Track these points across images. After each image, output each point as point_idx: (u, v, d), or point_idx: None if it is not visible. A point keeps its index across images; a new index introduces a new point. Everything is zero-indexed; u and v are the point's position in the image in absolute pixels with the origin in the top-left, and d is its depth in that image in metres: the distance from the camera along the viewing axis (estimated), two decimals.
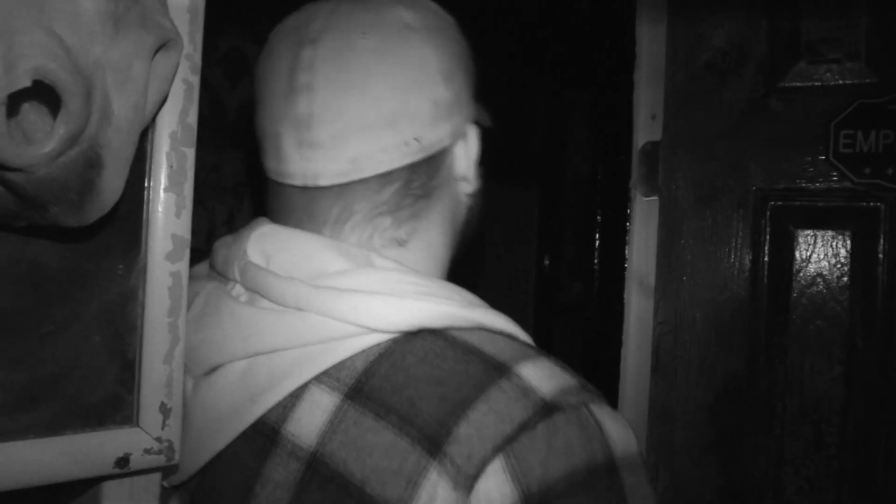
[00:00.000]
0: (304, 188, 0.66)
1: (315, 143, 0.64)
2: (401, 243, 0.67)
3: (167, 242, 0.54)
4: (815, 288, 1.27)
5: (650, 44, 1.38)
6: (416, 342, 0.59)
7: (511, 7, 3.15)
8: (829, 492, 1.26)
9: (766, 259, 1.30)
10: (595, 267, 3.48)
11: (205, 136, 0.63)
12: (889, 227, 1.22)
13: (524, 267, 3.74)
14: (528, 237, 3.75)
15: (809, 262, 1.27)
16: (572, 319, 3.69)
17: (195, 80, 0.55)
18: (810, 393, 1.27)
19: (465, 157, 0.71)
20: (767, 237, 1.30)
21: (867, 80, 1.24)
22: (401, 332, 0.59)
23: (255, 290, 0.63)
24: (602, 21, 3.19)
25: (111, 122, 0.45)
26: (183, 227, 0.55)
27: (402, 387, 0.56)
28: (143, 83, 0.46)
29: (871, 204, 1.24)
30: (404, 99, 0.64)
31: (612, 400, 1.42)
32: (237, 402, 0.61)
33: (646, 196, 1.38)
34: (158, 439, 0.54)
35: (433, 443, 0.53)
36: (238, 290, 0.65)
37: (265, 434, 0.60)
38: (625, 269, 1.42)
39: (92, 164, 0.45)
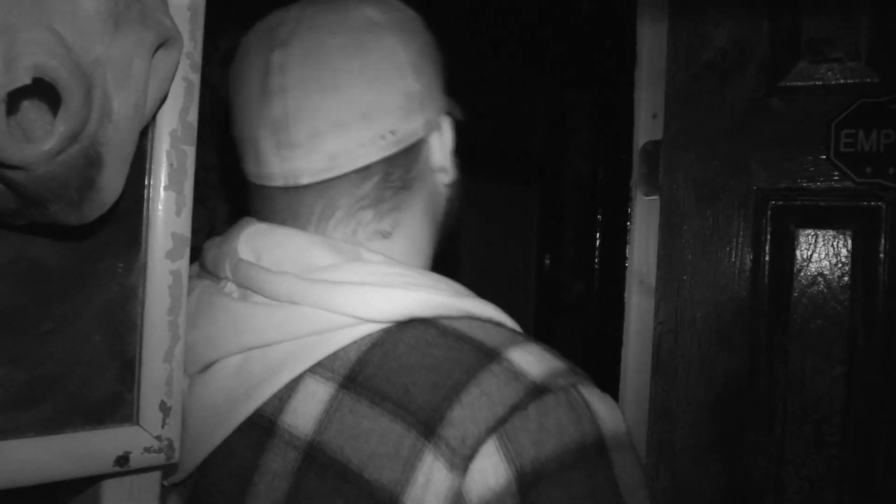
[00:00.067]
0: (286, 188, 0.67)
1: (293, 143, 0.65)
2: (385, 235, 0.68)
3: (167, 241, 0.54)
4: (815, 287, 1.27)
5: (651, 43, 1.38)
6: (407, 331, 0.60)
7: (511, 7, 3.15)
8: (829, 491, 1.26)
9: (766, 258, 1.30)
10: (595, 266, 3.48)
11: (205, 134, 0.63)
12: (890, 227, 1.22)
13: (524, 267, 3.74)
14: (528, 237, 3.75)
15: (810, 261, 1.27)
16: (573, 319, 3.69)
17: (195, 79, 0.55)
18: (811, 392, 1.26)
19: (441, 147, 0.72)
20: (768, 237, 1.30)
21: (868, 80, 1.24)
22: (392, 321, 0.60)
23: (247, 287, 0.64)
24: (602, 21, 3.19)
25: (111, 119, 0.45)
26: (183, 225, 0.55)
27: (396, 374, 0.58)
28: (144, 81, 0.46)
29: (872, 203, 1.24)
30: (377, 94, 0.66)
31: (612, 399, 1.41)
32: (233, 396, 0.62)
33: (647, 195, 1.38)
34: (158, 438, 0.54)
35: (428, 427, 0.54)
36: (230, 287, 0.66)
37: (262, 426, 0.61)
38: (625, 268, 1.42)
39: (92, 162, 0.45)
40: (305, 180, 0.66)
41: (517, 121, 3.57)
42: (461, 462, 0.53)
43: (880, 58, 1.23)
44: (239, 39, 0.72)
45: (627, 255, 1.41)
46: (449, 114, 0.73)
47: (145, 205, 0.54)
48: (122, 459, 0.53)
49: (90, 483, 0.54)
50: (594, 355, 3.02)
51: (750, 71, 1.31)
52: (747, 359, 1.30)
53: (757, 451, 1.30)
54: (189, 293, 0.66)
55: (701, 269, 1.33)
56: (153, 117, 0.52)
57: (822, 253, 1.27)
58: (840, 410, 1.25)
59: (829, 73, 1.26)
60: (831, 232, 1.26)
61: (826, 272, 1.26)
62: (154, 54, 0.48)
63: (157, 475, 0.57)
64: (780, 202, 1.29)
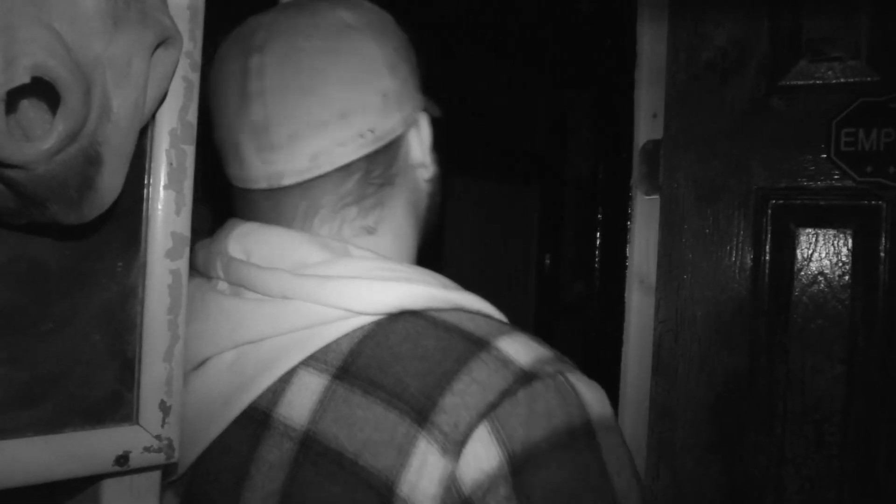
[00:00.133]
0: (269, 190, 0.69)
1: (274, 145, 0.67)
2: (370, 231, 0.70)
3: (167, 240, 0.54)
4: (816, 287, 1.27)
5: (651, 43, 1.38)
6: (398, 323, 0.62)
7: (511, 7, 3.15)
8: (830, 491, 1.25)
9: (767, 258, 1.30)
10: (595, 266, 3.48)
11: (205, 133, 0.63)
12: (890, 226, 1.22)
13: (524, 266, 3.74)
14: (528, 237, 3.75)
15: (811, 260, 1.27)
16: (573, 319, 3.69)
17: (195, 78, 0.55)
18: (811, 392, 1.26)
19: (419, 144, 0.74)
20: (769, 236, 1.30)
21: (868, 79, 1.24)
22: (383, 314, 0.62)
23: (239, 284, 0.66)
24: (602, 20, 3.19)
25: (110, 119, 0.45)
26: (183, 224, 0.55)
27: (388, 364, 0.59)
28: (143, 80, 0.46)
29: (873, 202, 1.24)
30: (354, 94, 0.67)
31: (612, 399, 1.42)
32: (227, 391, 0.63)
33: (647, 195, 1.38)
34: (158, 437, 0.54)
35: (421, 414, 0.56)
36: (222, 285, 0.68)
37: (257, 419, 0.62)
38: (625, 268, 1.41)
39: (91, 161, 0.44)
40: (288, 181, 0.68)
41: (517, 121, 3.57)
42: (454, 447, 0.54)
43: (880, 57, 1.23)
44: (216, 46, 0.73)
45: (627, 255, 1.41)
46: (425, 111, 0.75)
47: (145, 204, 0.54)
48: (122, 459, 0.52)
49: (90, 483, 0.54)
50: (594, 355, 3.02)
51: (750, 70, 1.31)
52: (748, 358, 1.30)
53: (757, 450, 1.29)
54: None
55: (701, 268, 1.33)
56: (153, 116, 0.52)
57: (822, 252, 1.26)
58: (840, 410, 1.25)
59: (830, 73, 1.26)
60: (832, 231, 1.26)
61: (826, 271, 1.26)
62: (153, 53, 0.47)
63: (157, 475, 0.57)
64: (781, 201, 1.29)
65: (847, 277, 1.25)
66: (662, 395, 1.35)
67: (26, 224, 0.47)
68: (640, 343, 1.38)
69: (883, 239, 1.23)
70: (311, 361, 0.62)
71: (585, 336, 3.50)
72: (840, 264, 1.26)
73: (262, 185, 0.69)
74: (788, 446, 1.28)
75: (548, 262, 3.78)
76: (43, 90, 0.42)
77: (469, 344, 0.59)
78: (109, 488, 0.54)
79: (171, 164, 0.54)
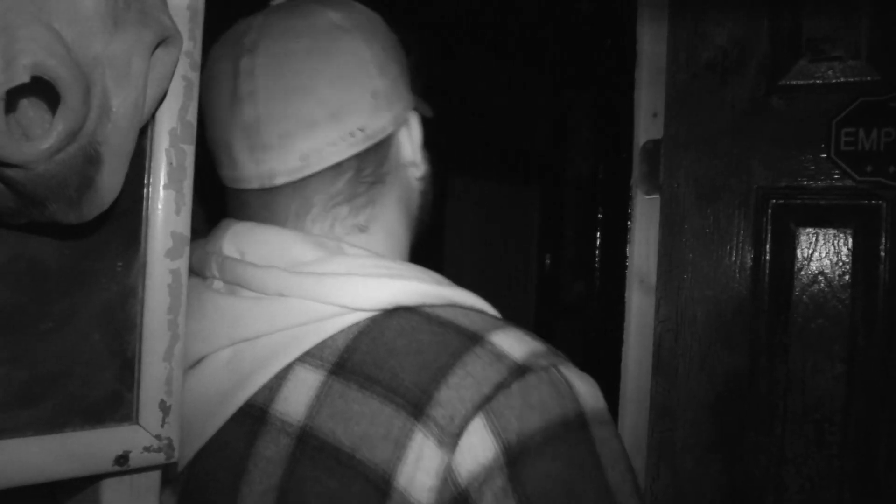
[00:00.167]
0: (261, 190, 0.70)
1: (265, 145, 0.68)
2: (362, 229, 0.71)
3: (167, 240, 0.54)
4: (816, 286, 1.26)
5: (651, 42, 1.38)
6: (392, 319, 0.63)
7: (511, 7, 3.15)
8: (830, 490, 1.25)
9: (767, 257, 1.29)
10: (596, 266, 3.48)
11: (199, 135, 0.63)
12: (891, 225, 1.22)
13: (525, 266, 3.74)
14: (528, 236, 3.75)
15: (811, 260, 1.27)
16: (573, 319, 3.69)
17: (195, 77, 0.55)
18: (812, 391, 1.26)
19: (410, 142, 0.74)
20: (769, 235, 1.29)
21: (868, 78, 1.24)
22: (378, 310, 0.63)
23: (234, 283, 0.66)
24: (602, 20, 3.19)
25: (110, 118, 0.45)
26: (183, 224, 0.55)
27: (384, 359, 0.60)
28: (143, 79, 0.46)
29: (873, 202, 1.24)
30: (344, 93, 0.68)
31: (613, 399, 1.42)
32: (224, 388, 0.64)
33: (647, 194, 1.38)
34: (158, 437, 0.54)
35: (417, 407, 0.57)
36: (217, 284, 0.68)
37: (254, 416, 0.63)
38: (626, 267, 1.41)
39: (91, 160, 0.44)
40: (279, 181, 0.68)
41: (517, 121, 3.57)
42: (450, 439, 0.55)
43: (880, 56, 1.23)
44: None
45: (628, 255, 1.41)
46: (416, 110, 0.75)
47: (144, 203, 0.54)
48: (122, 459, 0.52)
49: (90, 482, 0.54)
50: (594, 355, 3.02)
51: (750, 70, 1.31)
52: (748, 358, 1.30)
53: (758, 450, 1.29)
54: None
55: (701, 267, 1.33)
56: (152, 116, 0.52)
57: (822, 252, 1.26)
58: (841, 409, 1.25)
59: (830, 72, 1.26)
60: (832, 231, 1.26)
61: (827, 271, 1.26)
62: (153, 53, 0.47)
63: (156, 474, 0.57)
64: (781, 201, 1.29)
65: (847, 277, 1.25)
66: (663, 395, 1.35)
67: (26, 223, 0.47)
68: (640, 343, 1.38)
69: (883, 238, 1.23)
70: (308, 358, 0.63)
71: (586, 336, 3.50)
72: (840, 264, 1.26)
73: (255, 185, 0.69)
74: (789, 446, 1.28)
75: (548, 261, 3.78)
76: (43, 90, 0.42)
77: (463, 339, 0.60)
78: (109, 488, 0.54)
79: (170, 163, 0.54)
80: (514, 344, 0.60)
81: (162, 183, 0.54)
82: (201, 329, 0.65)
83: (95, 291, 0.52)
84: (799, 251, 1.28)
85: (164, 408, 0.55)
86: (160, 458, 0.55)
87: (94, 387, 0.52)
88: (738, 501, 1.31)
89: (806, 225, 1.28)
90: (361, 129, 0.68)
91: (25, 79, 0.39)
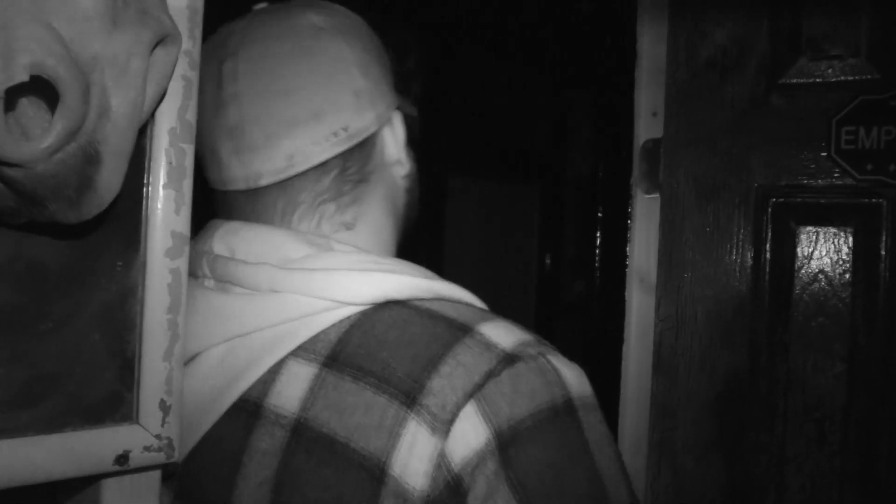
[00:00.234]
0: (248, 190, 0.71)
1: (250, 147, 0.69)
2: (349, 227, 0.72)
3: (167, 239, 0.54)
4: (816, 285, 1.26)
5: (651, 41, 1.38)
6: (383, 312, 0.64)
7: (511, 7, 3.15)
8: (831, 489, 1.25)
9: (767, 256, 1.29)
10: (596, 265, 3.48)
11: None
12: (891, 224, 1.22)
13: (525, 266, 3.74)
14: (528, 236, 3.75)
15: (811, 258, 1.27)
16: (573, 318, 3.69)
17: (194, 77, 0.54)
18: (812, 390, 1.26)
19: (394, 141, 0.75)
20: (769, 234, 1.29)
21: (869, 77, 1.24)
22: (369, 304, 0.64)
23: (226, 280, 0.67)
24: (602, 20, 3.19)
25: (109, 117, 0.45)
26: (182, 223, 0.55)
27: (376, 351, 0.61)
28: (142, 79, 0.46)
29: (873, 200, 1.24)
30: (326, 93, 0.69)
31: (613, 398, 1.42)
32: (218, 384, 0.65)
33: (647, 193, 1.38)
34: (158, 436, 0.54)
35: (409, 396, 0.58)
36: (209, 283, 0.69)
37: (248, 410, 0.64)
38: (626, 266, 1.41)
39: (90, 159, 0.44)
40: (265, 181, 0.70)
41: (517, 120, 3.57)
42: (443, 426, 0.57)
43: (880, 54, 1.23)
44: None
45: (628, 254, 1.41)
46: (400, 109, 0.76)
47: (144, 203, 0.54)
48: (122, 458, 0.52)
49: (90, 482, 0.54)
50: (595, 354, 3.02)
51: (750, 68, 1.30)
52: (748, 356, 1.30)
53: (758, 449, 1.29)
54: None
55: (702, 266, 1.33)
56: (152, 115, 0.52)
57: (822, 250, 1.26)
58: (841, 408, 1.25)
59: (830, 71, 1.26)
60: (832, 229, 1.26)
61: (827, 269, 1.26)
62: (152, 52, 0.47)
63: (157, 474, 0.57)
64: (781, 199, 1.29)
65: (848, 275, 1.25)
66: (663, 394, 1.35)
67: (25, 223, 0.47)
68: (640, 342, 1.38)
69: (883, 237, 1.23)
70: (300, 352, 0.64)
71: (586, 335, 3.50)
72: (841, 262, 1.25)
73: (241, 185, 0.71)
74: (789, 445, 1.28)
75: (548, 261, 3.78)
76: (42, 89, 0.42)
77: (453, 330, 0.61)
78: (109, 488, 0.54)
79: (170, 163, 0.54)
80: (502, 334, 0.62)
81: (161, 182, 0.54)
82: (194, 327, 0.66)
83: (95, 291, 0.52)
84: (799, 250, 1.28)
85: (165, 407, 0.55)
86: (160, 457, 0.55)
87: (94, 386, 0.52)
88: (739, 500, 1.31)
89: (806, 223, 1.28)
90: (345, 129, 0.70)
91: (24, 78, 0.39)
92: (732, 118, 1.31)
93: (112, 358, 0.53)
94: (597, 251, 3.46)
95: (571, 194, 3.85)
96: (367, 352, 0.62)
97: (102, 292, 0.52)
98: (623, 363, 1.40)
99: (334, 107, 0.69)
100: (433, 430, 0.57)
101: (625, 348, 1.40)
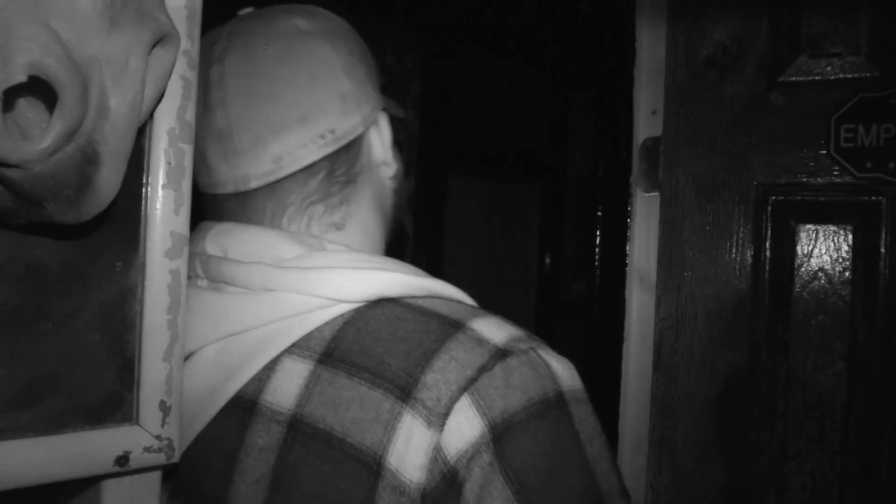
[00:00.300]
0: (237, 194, 0.72)
1: (238, 150, 0.70)
2: (338, 227, 0.73)
3: (166, 239, 0.54)
4: (816, 283, 1.26)
5: (650, 39, 1.38)
6: (376, 310, 0.65)
7: (511, 7, 3.15)
8: (832, 488, 1.25)
9: (767, 254, 1.29)
10: (596, 264, 3.48)
11: None
12: (891, 222, 1.22)
13: (525, 266, 3.74)
14: (528, 236, 3.75)
15: (811, 256, 1.27)
16: (574, 318, 3.69)
17: (193, 77, 0.54)
18: (813, 388, 1.26)
19: (381, 142, 0.76)
20: (769, 232, 1.29)
21: (868, 74, 1.23)
22: (362, 301, 0.65)
23: (219, 280, 0.68)
24: (602, 19, 3.19)
25: (108, 117, 0.45)
26: (182, 224, 0.55)
27: (370, 347, 0.63)
28: (140, 78, 0.46)
29: (873, 198, 1.24)
30: (312, 96, 0.70)
31: (613, 397, 1.42)
32: (213, 382, 0.66)
33: (647, 192, 1.38)
34: (158, 437, 0.54)
35: (404, 391, 0.59)
36: (202, 283, 0.70)
37: (244, 407, 0.65)
38: (626, 265, 1.41)
39: (89, 160, 0.44)
40: (254, 184, 0.71)
41: (517, 120, 3.57)
42: (438, 419, 0.58)
43: (880, 52, 1.23)
44: None
45: (628, 253, 1.41)
46: (386, 110, 0.77)
47: (143, 203, 0.54)
48: (122, 459, 0.52)
49: (90, 483, 0.54)
50: (595, 353, 3.02)
51: (749, 66, 1.30)
52: (748, 355, 1.30)
53: (758, 447, 1.29)
54: None
55: (701, 265, 1.33)
56: (150, 115, 0.52)
57: (822, 248, 1.26)
58: (842, 406, 1.25)
59: (829, 68, 1.26)
60: (832, 227, 1.26)
61: (827, 267, 1.26)
62: (151, 52, 0.47)
63: (157, 475, 0.57)
64: (781, 197, 1.29)
65: (847, 273, 1.25)
66: (663, 393, 1.35)
67: (24, 224, 0.47)
68: (640, 341, 1.38)
69: (883, 235, 1.23)
70: (295, 349, 0.65)
71: (586, 334, 3.50)
72: (840, 260, 1.25)
73: (230, 189, 0.72)
74: (790, 443, 1.28)
75: (548, 260, 3.78)
76: (40, 89, 0.41)
77: (446, 326, 0.63)
78: (109, 489, 0.54)
79: (169, 163, 0.54)
80: (493, 330, 0.63)
81: (161, 182, 0.54)
82: (189, 326, 0.67)
83: (94, 291, 0.52)
84: (799, 248, 1.28)
85: (164, 408, 0.55)
86: (160, 458, 0.55)
87: (94, 387, 0.52)
88: (740, 499, 1.31)
89: (806, 221, 1.28)
90: (331, 131, 0.71)
91: (22, 78, 0.39)
92: (732, 116, 1.31)
93: (112, 358, 0.53)
94: (597, 250, 3.46)
95: (571, 194, 3.85)
96: (362, 348, 0.63)
97: (102, 293, 0.52)
98: (623, 362, 1.40)
99: (320, 110, 0.70)
100: (429, 423, 0.58)
101: (625, 348, 1.40)
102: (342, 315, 0.65)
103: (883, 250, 1.23)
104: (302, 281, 0.64)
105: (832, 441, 1.25)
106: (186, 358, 0.68)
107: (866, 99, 1.23)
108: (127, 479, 0.55)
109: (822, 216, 1.27)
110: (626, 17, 1.57)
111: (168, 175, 0.54)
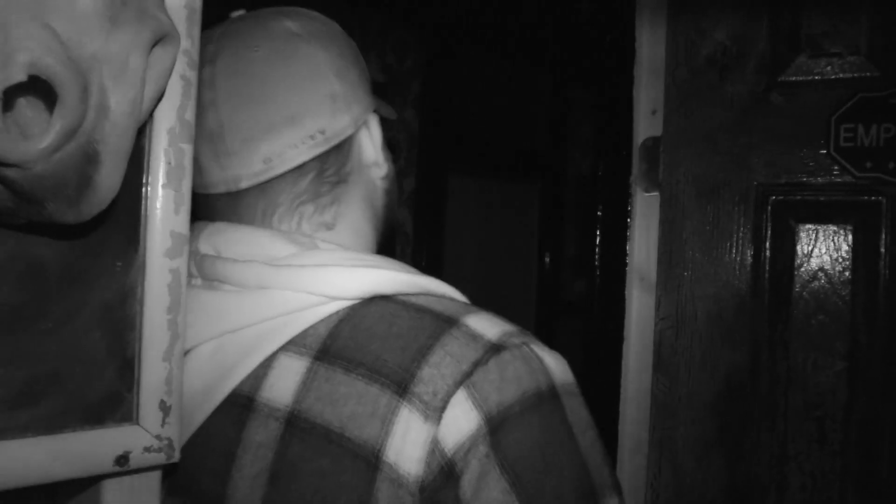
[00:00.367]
0: (228, 194, 0.73)
1: (229, 151, 0.71)
2: (329, 227, 0.74)
3: (166, 239, 0.54)
4: (816, 283, 1.26)
5: (650, 39, 1.38)
6: (371, 307, 0.66)
7: (511, 7, 3.15)
8: (832, 488, 1.25)
9: (767, 254, 1.29)
10: (596, 264, 3.48)
11: None
12: (891, 222, 1.22)
13: (525, 265, 3.74)
14: (528, 235, 3.75)
15: (811, 256, 1.27)
16: (574, 317, 3.69)
17: (193, 76, 0.54)
18: (813, 388, 1.26)
19: (371, 143, 0.77)
20: (769, 232, 1.29)
21: (868, 74, 1.24)
22: (357, 298, 0.66)
23: (214, 279, 0.69)
24: (602, 19, 3.19)
25: (108, 117, 0.45)
26: (181, 223, 0.55)
27: (366, 343, 0.63)
28: (140, 78, 0.46)
29: (873, 198, 1.24)
30: (302, 98, 0.71)
31: (613, 397, 1.42)
32: (209, 379, 0.66)
33: (647, 192, 1.38)
34: (158, 437, 0.54)
35: (401, 386, 0.61)
36: (196, 281, 0.71)
37: (241, 404, 0.66)
38: (626, 265, 1.41)
39: (89, 159, 0.44)
40: (244, 184, 0.71)
41: (517, 120, 3.57)
42: (435, 413, 0.59)
43: (879, 52, 1.23)
44: None
45: (628, 252, 1.41)
46: (377, 112, 0.78)
47: (143, 203, 0.53)
48: (122, 459, 0.52)
49: (90, 483, 0.54)
50: (595, 353, 3.02)
51: (749, 66, 1.30)
52: (748, 355, 1.30)
53: (759, 447, 1.29)
54: None
55: (701, 265, 1.33)
56: (150, 115, 0.52)
57: (822, 248, 1.26)
58: (842, 406, 1.25)
59: (829, 68, 1.26)
60: (832, 227, 1.26)
61: (827, 267, 1.26)
62: (151, 51, 0.47)
63: (157, 475, 0.57)
64: (781, 197, 1.29)
65: (848, 273, 1.25)
66: (664, 393, 1.35)
67: (24, 223, 0.47)
68: (640, 340, 1.38)
69: (883, 234, 1.23)
70: (291, 346, 0.65)
71: (586, 334, 3.50)
72: (840, 260, 1.25)
73: (221, 189, 0.73)
74: (790, 443, 1.28)
75: (548, 260, 3.78)
76: (40, 88, 0.41)
77: (440, 322, 0.64)
78: (109, 488, 0.54)
79: (169, 162, 0.54)
80: (487, 325, 0.64)
81: (161, 182, 0.53)
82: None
83: (94, 291, 0.52)
84: (799, 248, 1.28)
85: (165, 408, 0.55)
86: (160, 458, 0.55)
87: (94, 387, 0.52)
88: (740, 499, 1.31)
89: (806, 221, 1.28)
90: (321, 132, 0.71)
91: (22, 77, 0.39)
92: (732, 116, 1.31)
93: (112, 358, 0.53)
94: (597, 250, 3.46)
95: (571, 193, 3.85)
96: (357, 344, 0.63)
97: (102, 292, 0.52)
98: (623, 362, 1.40)
99: (310, 111, 0.71)
100: (426, 417, 0.59)
101: (625, 347, 1.40)
102: (337, 312, 0.66)
103: (883, 250, 1.23)
104: (297, 279, 0.65)
105: (832, 441, 1.25)
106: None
107: (866, 99, 1.23)
108: (127, 478, 0.55)
109: (822, 216, 1.27)
110: (626, 17, 1.57)
111: (168, 175, 0.54)
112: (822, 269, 1.26)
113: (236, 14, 0.77)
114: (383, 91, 2.63)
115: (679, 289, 1.34)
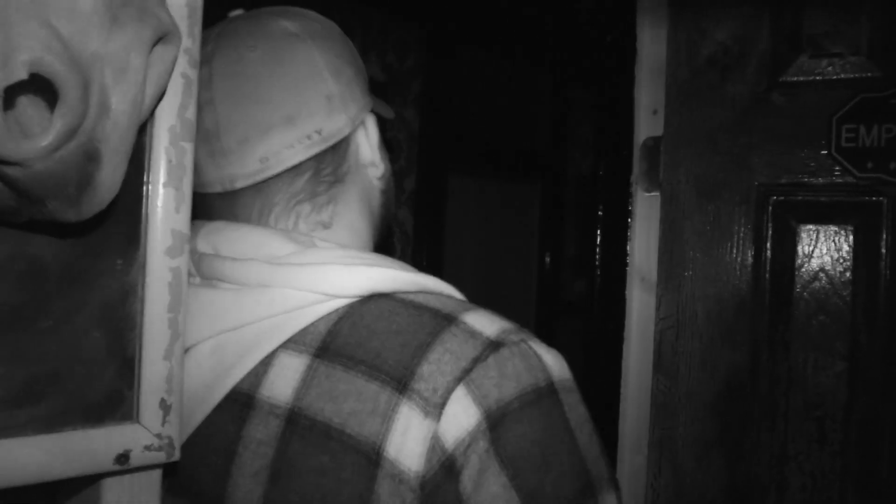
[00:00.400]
0: (224, 193, 0.73)
1: (225, 150, 0.71)
2: (326, 226, 0.74)
3: (167, 238, 0.54)
4: (817, 283, 1.26)
5: (651, 39, 1.38)
6: (370, 304, 0.66)
7: (512, 6, 3.15)
8: (832, 488, 1.25)
9: (768, 254, 1.29)
10: (597, 264, 3.48)
11: None
12: (892, 222, 1.22)
13: (525, 265, 3.74)
14: (529, 235, 3.75)
15: (812, 257, 1.27)
16: (574, 317, 3.69)
17: (194, 75, 0.54)
18: (813, 388, 1.26)
19: (368, 143, 0.77)
20: (769, 232, 1.29)
21: (869, 74, 1.23)
22: (356, 296, 0.66)
23: (213, 277, 0.69)
24: (603, 19, 3.19)
25: (109, 115, 0.45)
26: (182, 222, 0.55)
27: (365, 341, 0.64)
28: (142, 76, 0.46)
29: (874, 199, 1.24)
30: (298, 97, 0.71)
31: (613, 397, 1.42)
32: (209, 378, 0.67)
33: (647, 192, 1.38)
34: (159, 436, 0.54)
35: (401, 382, 0.61)
36: (195, 280, 0.71)
37: (241, 402, 0.66)
38: (626, 265, 1.41)
39: (90, 158, 0.44)
40: (240, 184, 0.72)
41: (518, 119, 3.57)
42: (435, 409, 0.59)
43: (881, 52, 1.23)
44: None
45: (628, 252, 1.41)
46: (374, 111, 0.78)
47: (144, 202, 0.53)
48: (123, 458, 0.52)
49: (90, 482, 0.54)
50: (595, 353, 3.02)
51: (751, 66, 1.30)
52: (749, 355, 1.30)
53: (759, 447, 1.29)
54: None
55: (702, 265, 1.33)
56: (151, 113, 0.52)
57: (823, 248, 1.26)
58: (842, 406, 1.25)
59: (830, 68, 1.26)
60: (833, 227, 1.26)
61: (828, 268, 1.26)
62: (152, 50, 0.47)
63: (157, 473, 0.57)
64: (782, 198, 1.29)
65: (848, 274, 1.25)
66: (664, 393, 1.35)
67: (25, 222, 0.47)
68: (641, 340, 1.38)
69: (884, 235, 1.23)
70: (290, 344, 0.66)
71: (586, 334, 3.50)
72: (841, 260, 1.25)
73: (218, 188, 0.73)
74: (790, 443, 1.28)
75: (548, 260, 3.78)
76: (41, 87, 0.41)
77: (439, 319, 0.64)
78: (110, 487, 0.54)
79: (170, 161, 0.54)
80: (485, 323, 0.65)
81: (161, 181, 0.53)
82: None
83: (95, 290, 0.52)
84: (800, 248, 1.28)
85: (165, 406, 0.55)
86: (161, 456, 0.55)
87: (95, 385, 0.52)
88: (740, 499, 1.31)
89: (807, 222, 1.28)
90: (318, 132, 0.72)
91: (23, 76, 0.39)
92: (733, 116, 1.31)
93: (112, 357, 0.52)
94: (597, 250, 3.46)
95: (572, 193, 3.85)
96: (357, 342, 0.64)
97: (103, 291, 0.52)
98: (623, 362, 1.40)
99: (306, 111, 0.71)
100: (426, 413, 0.59)
101: (625, 347, 1.40)
102: (336, 310, 0.66)
103: (884, 251, 1.23)
104: (297, 277, 0.65)
105: (833, 441, 1.25)
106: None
107: (867, 99, 1.23)
108: (127, 477, 0.55)
109: (822, 216, 1.27)
110: (626, 17, 1.57)
111: (169, 173, 0.54)
112: (822, 269, 1.26)
113: (234, 13, 0.78)
114: (383, 90, 2.63)
115: (679, 289, 1.34)
